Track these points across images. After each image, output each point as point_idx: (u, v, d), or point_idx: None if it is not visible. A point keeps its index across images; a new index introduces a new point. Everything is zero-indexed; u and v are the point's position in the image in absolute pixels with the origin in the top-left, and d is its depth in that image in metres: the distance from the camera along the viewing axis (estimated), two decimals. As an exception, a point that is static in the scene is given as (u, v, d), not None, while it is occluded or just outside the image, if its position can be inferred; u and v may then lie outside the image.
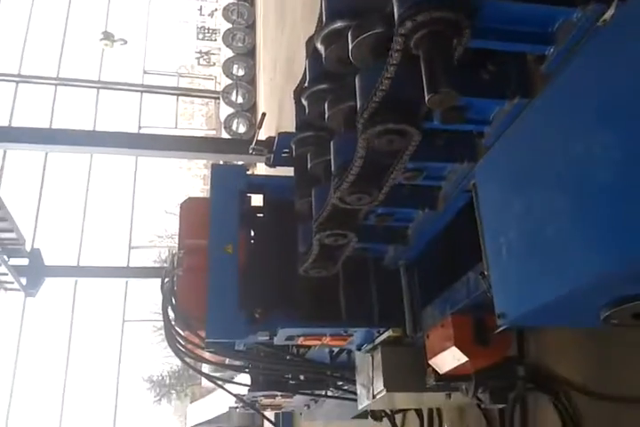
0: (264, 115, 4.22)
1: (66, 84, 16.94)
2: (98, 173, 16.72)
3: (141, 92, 17.94)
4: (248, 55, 18.56)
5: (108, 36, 17.95)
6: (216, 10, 21.71)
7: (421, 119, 2.01)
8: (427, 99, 1.66)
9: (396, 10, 1.77)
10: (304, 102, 2.86)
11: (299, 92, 3.09)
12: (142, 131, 16.86)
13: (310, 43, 2.85)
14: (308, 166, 2.84)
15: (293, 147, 3.11)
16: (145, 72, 19.03)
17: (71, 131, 9.38)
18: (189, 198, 3.97)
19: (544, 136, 1.35)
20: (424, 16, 1.65)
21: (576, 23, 1.75)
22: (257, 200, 3.83)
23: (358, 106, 2.07)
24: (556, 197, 1.26)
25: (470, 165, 2.24)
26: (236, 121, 17.20)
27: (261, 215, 3.68)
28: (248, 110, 17.42)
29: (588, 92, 1.19)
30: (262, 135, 4.15)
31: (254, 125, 16.00)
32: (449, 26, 1.68)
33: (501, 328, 1.80)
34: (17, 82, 16.54)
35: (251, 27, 18.83)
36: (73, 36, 18.34)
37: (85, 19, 19.05)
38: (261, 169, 11.59)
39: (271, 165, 3.71)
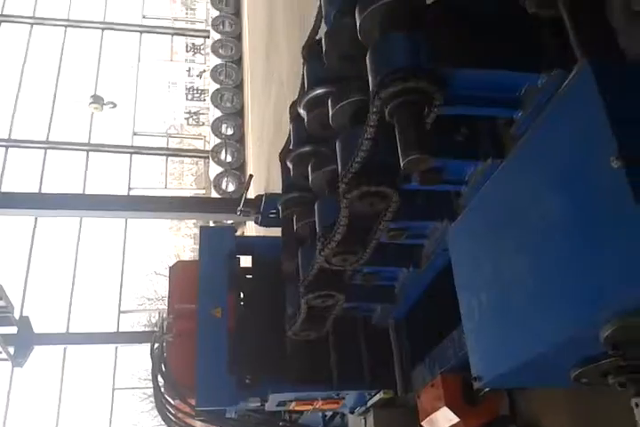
0: (251, 176, 4.30)
1: (55, 148, 17.15)
2: (87, 235, 16.66)
3: (131, 153, 18.15)
4: (236, 114, 18.91)
5: (97, 99, 18.28)
6: (204, 71, 22.23)
7: (399, 182, 2.07)
8: (402, 164, 1.72)
9: (370, 81, 1.85)
10: (289, 165, 2.93)
11: (284, 155, 3.17)
12: (132, 192, 16.95)
13: (293, 108, 2.95)
14: (295, 228, 2.88)
15: (280, 208, 3.16)
16: (134, 133, 19.30)
17: (61, 195, 9.45)
18: (178, 262, 4.00)
19: (509, 200, 1.41)
20: (396, 87, 1.73)
21: (541, 88, 1.84)
22: (247, 260, 3.85)
23: (339, 170, 2.13)
24: (520, 260, 1.31)
25: (449, 224, 2.29)
26: (225, 180, 17.36)
27: (250, 276, 3.69)
28: (237, 169, 17.62)
29: (542, 159, 1.25)
30: (253, 191, 4.22)
31: (244, 184, 16.16)
32: (420, 95, 1.76)
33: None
34: (7, 146, 16.72)
35: (238, 87, 19.26)
36: (62, 100, 18.67)
37: (75, 83, 19.45)
38: (251, 227, 11.64)
39: (259, 225, 3.76)
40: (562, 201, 1.15)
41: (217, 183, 17.25)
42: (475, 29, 1.98)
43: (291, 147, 3.00)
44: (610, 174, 0.99)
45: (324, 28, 2.51)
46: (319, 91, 2.45)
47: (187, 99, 23.11)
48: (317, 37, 2.80)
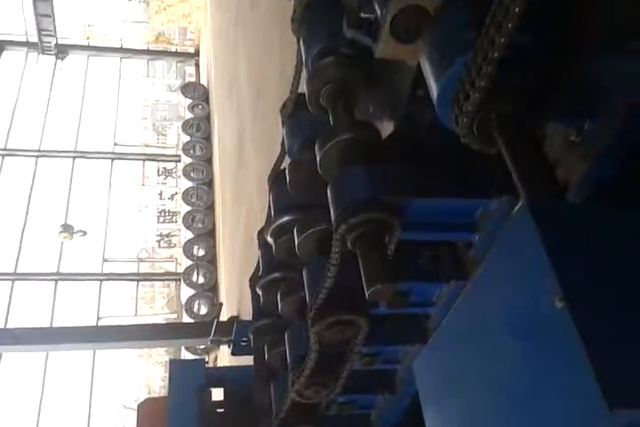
0: (221, 305, 4.29)
1: (23, 279, 16.86)
2: (53, 367, 15.92)
3: (101, 280, 17.91)
4: (208, 235, 19.02)
5: (67, 228, 18.30)
6: (176, 193, 22.61)
7: (367, 308, 2.08)
8: (367, 294, 1.74)
9: (332, 213, 1.92)
10: (258, 291, 2.93)
11: (253, 281, 3.18)
12: (101, 321, 16.51)
13: (261, 235, 3.01)
14: (266, 357, 2.82)
15: (251, 337, 3.10)
16: (105, 260, 19.16)
17: (25, 329, 9.15)
18: (147, 399, 3.84)
19: (468, 332, 1.41)
20: (355, 219, 1.79)
21: (493, 213, 1.93)
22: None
23: (307, 299, 2.14)
24: (482, 398, 1.28)
25: (420, 347, 2.27)
26: (197, 302, 17.08)
27: (222, 410, 3.54)
28: (209, 290, 17.41)
29: (496, 293, 1.28)
30: (226, 310, 4.15)
31: (216, 306, 15.88)
32: (379, 225, 1.82)
33: None
34: (-27, 280, 16.40)
35: (210, 208, 19.56)
36: (32, 231, 18.60)
37: (45, 212, 19.52)
38: (225, 350, 11.29)
39: (231, 354, 3.67)
40: (514, 337, 1.16)
41: (189, 307, 16.94)
42: (428, 161, 2.09)
43: (260, 273, 3.02)
44: (555, 314, 1.02)
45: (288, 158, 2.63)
46: (284, 219, 2.52)
47: (158, 221, 23.27)
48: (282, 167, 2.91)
